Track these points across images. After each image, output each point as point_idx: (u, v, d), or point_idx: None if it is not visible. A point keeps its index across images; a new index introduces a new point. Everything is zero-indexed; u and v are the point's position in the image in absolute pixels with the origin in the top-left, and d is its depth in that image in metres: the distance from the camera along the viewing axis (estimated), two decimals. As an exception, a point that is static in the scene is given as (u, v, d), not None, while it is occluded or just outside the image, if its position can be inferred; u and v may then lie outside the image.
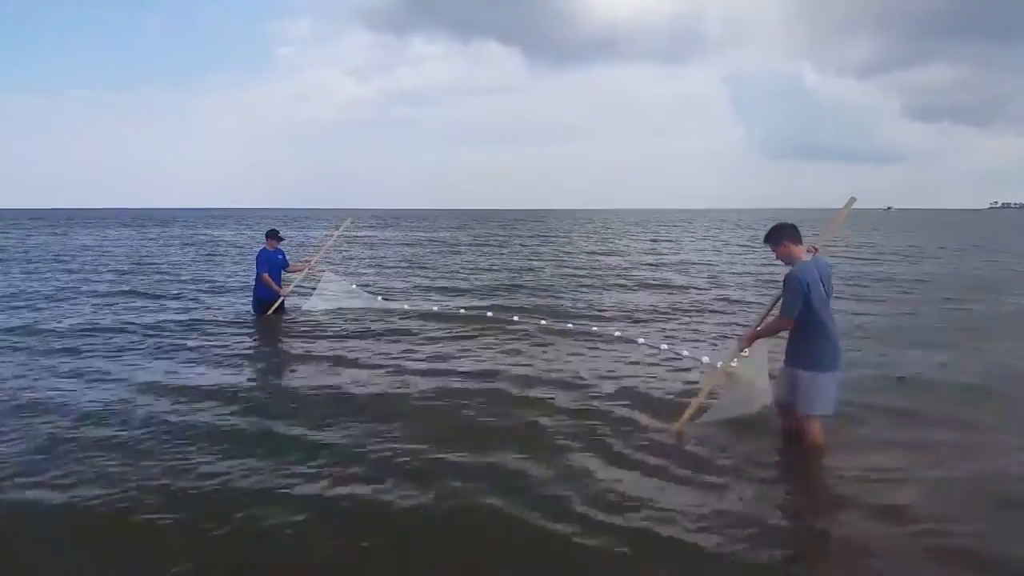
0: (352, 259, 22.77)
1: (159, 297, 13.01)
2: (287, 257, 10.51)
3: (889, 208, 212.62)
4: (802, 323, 4.40)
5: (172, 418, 5.52)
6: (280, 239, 10.29)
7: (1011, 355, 7.70)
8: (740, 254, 25.18)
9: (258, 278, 10.16)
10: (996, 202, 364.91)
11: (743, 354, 5.01)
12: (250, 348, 8.62)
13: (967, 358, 7.58)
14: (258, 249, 10.51)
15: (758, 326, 4.87)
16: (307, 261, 10.86)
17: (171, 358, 7.84)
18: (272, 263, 10.09)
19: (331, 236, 11.31)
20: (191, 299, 12.76)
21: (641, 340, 8.61)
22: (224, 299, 12.67)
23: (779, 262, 4.65)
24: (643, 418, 5.47)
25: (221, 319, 10.38)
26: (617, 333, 9.10)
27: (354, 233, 39.86)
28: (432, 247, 29.30)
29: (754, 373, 4.91)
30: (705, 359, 7.41)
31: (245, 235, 39.74)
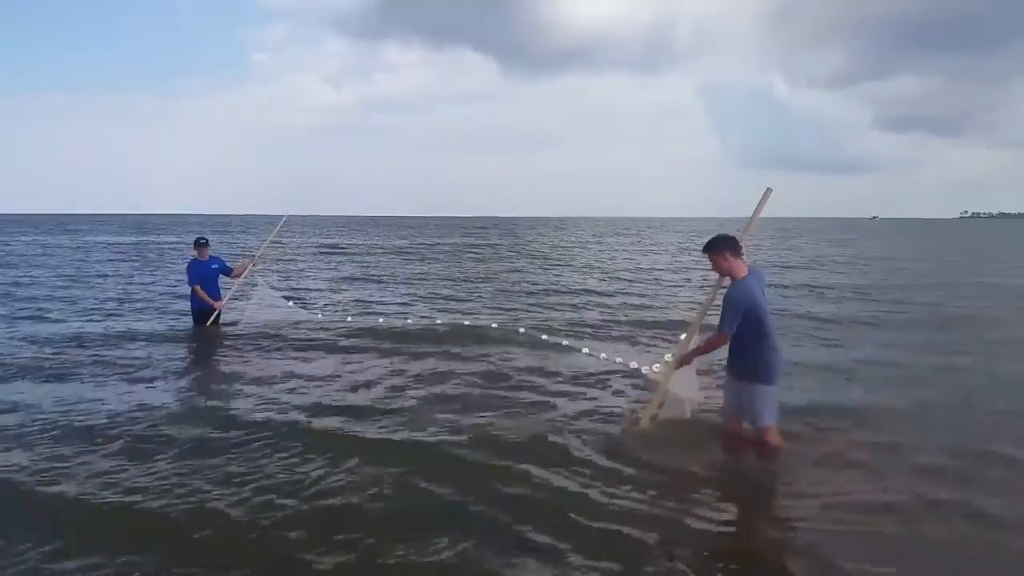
0: (305, 268, 22.30)
1: (93, 309, 12.52)
2: (225, 264, 9.97)
3: (875, 217, 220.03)
4: (752, 338, 4.39)
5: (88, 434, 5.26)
6: (207, 246, 9.70)
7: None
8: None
9: (192, 291, 9.65)
10: (966, 212, 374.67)
11: (666, 359, 5.19)
12: (181, 363, 8.19)
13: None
14: (188, 259, 9.93)
15: (690, 344, 4.92)
16: (250, 258, 10.33)
17: (97, 375, 7.42)
18: (204, 275, 9.56)
19: (270, 235, 11.03)
20: (122, 311, 12.27)
21: (585, 351, 8.55)
22: (161, 311, 12.18)
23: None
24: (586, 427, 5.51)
25: (156, 332, 9.92)
26: (565, 342, 8.98)
27: (321, 239, 39.23)
28: (389, 256, 28.79)
29: (681, 383, 4.98)
30: (633, 364, 7.42)
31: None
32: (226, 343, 9.10)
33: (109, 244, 35.96)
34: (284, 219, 11.68)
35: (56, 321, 11.00)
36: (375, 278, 18.88)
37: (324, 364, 7.93)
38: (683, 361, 4.84)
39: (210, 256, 9.70)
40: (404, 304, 13.36)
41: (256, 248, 10.61)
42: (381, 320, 10.83)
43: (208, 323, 9.58)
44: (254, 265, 10.19)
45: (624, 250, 33.58)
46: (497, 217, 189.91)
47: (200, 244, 9.65)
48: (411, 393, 6.61)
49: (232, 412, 5.96)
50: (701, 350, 4.71)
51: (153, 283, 17.01)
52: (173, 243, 37.29)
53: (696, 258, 24.00)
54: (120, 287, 16.05)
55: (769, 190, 4.96)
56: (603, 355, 8.23)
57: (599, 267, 22.88)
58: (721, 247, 4.49)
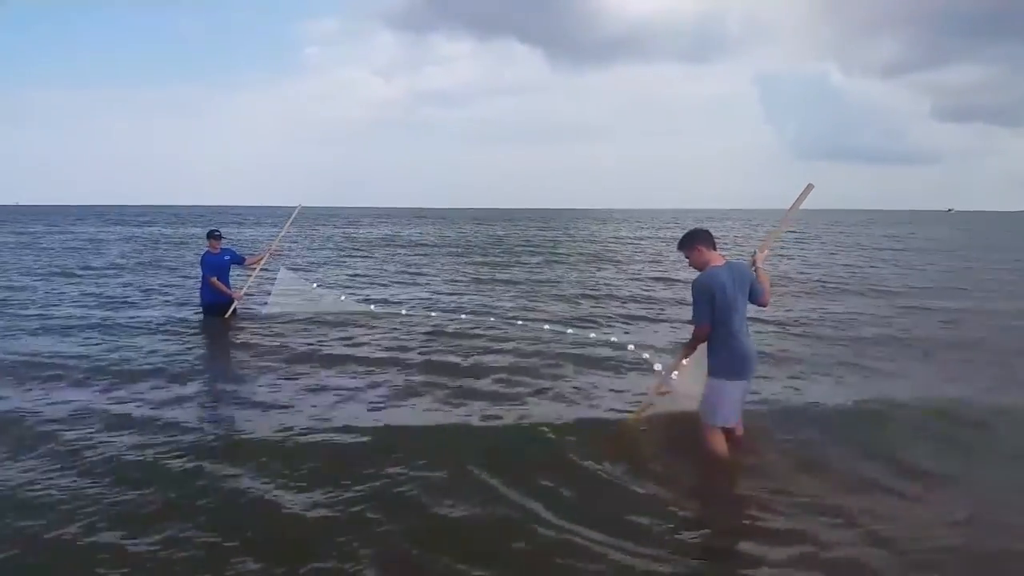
0: (340, 259, 22.24)
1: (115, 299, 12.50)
2: (236, 254, 9.83)
3: (951, 210, 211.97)
4: (713, 331, 4.27)
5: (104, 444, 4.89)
6: (221, 238, 9.60)
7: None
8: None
9: (204, 282, 9.54)
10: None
11: (683, 363, 4.83)
12: (198, 357, 7.91)
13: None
14: (202, 252, 9.80)
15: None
16: (266, 251, 10.16)
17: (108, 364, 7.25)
18: (218, 266, 9.44)
19: (284, 225, 10.80)
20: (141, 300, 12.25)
21: (614, 339, 8.44)
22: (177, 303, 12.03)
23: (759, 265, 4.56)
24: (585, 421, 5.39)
25: (170, 323, 9.79)
26: (593, 335, 8.80)
27: (360, 231, 39.39)
28: (432, 248, 28.55)
29: (692, 382, 4.72)
30: (657, 366, 7.06)
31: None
32: (251, 330, 9.01)
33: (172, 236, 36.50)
34: (297, 209, 11.47)
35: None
36: (408, 268, 18.63)
37: (332, 349, 7.80)
38: (673, 365, 4.77)
39: (222, 248, 9.60)
40: (436, 294, 13.07)
41: (274, 239, 10.42)
42: (404, 311, 10.60)
43: (226, 315, 9.51)
44: (271, 255, 10.04)
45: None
46: (557, 209, 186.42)
47: (213, 236, 9.56)
48: (418, 384, 6.45)
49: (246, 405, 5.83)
50: (686, 348, 4.56)
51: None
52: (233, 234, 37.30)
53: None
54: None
55: (810, 186, 4.76)
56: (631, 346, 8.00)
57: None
58: (693, 242, 4.39)
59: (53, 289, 13.59)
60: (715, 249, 4.38)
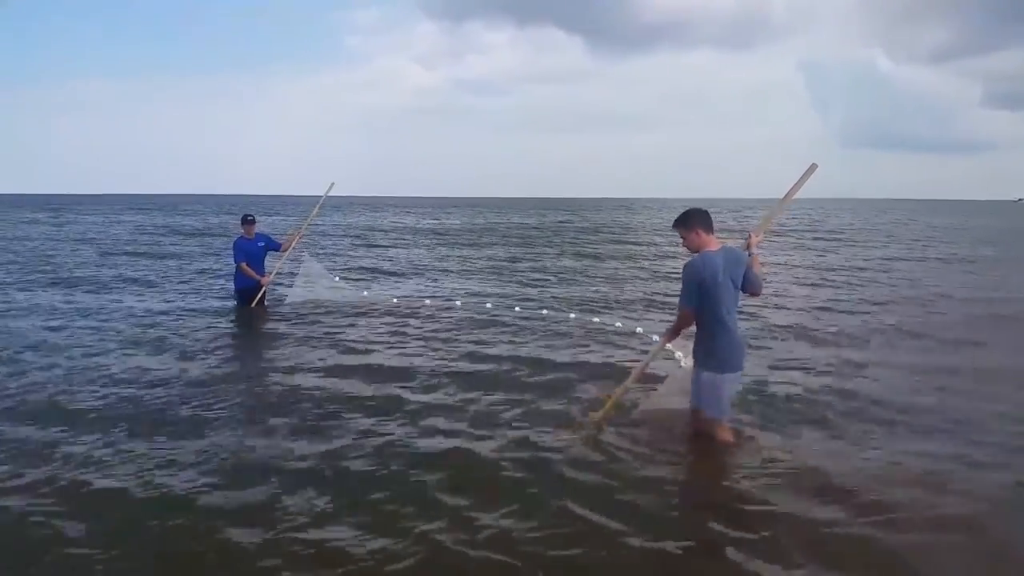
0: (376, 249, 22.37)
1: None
2: (272, 240, 9.84)
3: (1020, 200, 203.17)
4: (702, 318, 4.16)
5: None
6: (255, 223, 9.59)
7: None
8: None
9: (237, 268, 9.58)
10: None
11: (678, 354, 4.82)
12: (229, 344, 8.04)
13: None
14: (235, 237, 9.79)
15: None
16: (296, 232, 10.09)
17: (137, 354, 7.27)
18: (250, 253, 9.45)
19: (315, 208, 10.68)
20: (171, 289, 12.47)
21: (618, 324, 8.62)
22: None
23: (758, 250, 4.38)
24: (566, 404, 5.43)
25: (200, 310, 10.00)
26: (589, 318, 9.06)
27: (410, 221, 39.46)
28: (461, 237, 28.52)
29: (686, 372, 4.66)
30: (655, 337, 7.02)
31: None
32: (270, 321, 9.07)
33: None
34: (325, 194, 11.25)
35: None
36: (436, 258, 18.68)
37: (354, 345, 7.71)
38: (663, 342, 4.56)
39: (256, 234, 9.60)
40: (459, 286, 13.05)
41: (304, 223, 10.37)
42: (428, 301, 10.61)
43: (254, 303, 9.53)
44: (300, 238, 10.06)
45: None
46: (599, 199, 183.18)
47: (247, 221, 9.57)
48: (431, 377, 6.36)
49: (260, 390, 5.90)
50: (670, 332, 4.41)
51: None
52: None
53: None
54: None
55: (814, 166, 4.46)
56: (639, 329, 8.12)
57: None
58: (692, 223, 4.19)
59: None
60: (713, 233, 4.19)
